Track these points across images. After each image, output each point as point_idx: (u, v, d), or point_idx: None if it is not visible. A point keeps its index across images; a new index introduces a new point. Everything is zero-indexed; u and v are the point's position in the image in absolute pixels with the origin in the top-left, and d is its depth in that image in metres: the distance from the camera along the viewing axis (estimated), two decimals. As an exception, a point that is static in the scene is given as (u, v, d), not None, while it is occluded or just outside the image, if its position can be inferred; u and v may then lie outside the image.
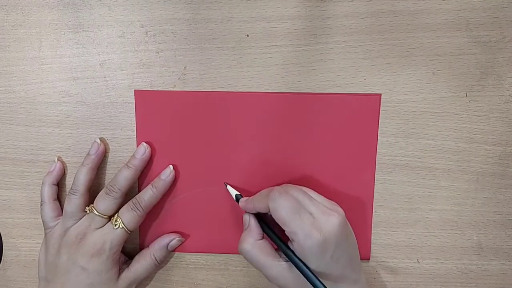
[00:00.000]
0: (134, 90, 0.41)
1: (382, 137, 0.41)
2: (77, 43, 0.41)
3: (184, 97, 0.41)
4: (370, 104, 0.40)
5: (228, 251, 0.43)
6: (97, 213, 0.39)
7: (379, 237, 0.43)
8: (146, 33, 0.41)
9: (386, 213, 0.42)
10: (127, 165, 0.40)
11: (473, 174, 0.42)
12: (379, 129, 0.41)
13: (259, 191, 0.40)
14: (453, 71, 0.40)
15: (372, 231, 0.42)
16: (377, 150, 0.41)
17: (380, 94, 0.40)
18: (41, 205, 0.41)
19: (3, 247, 0.45)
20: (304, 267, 0.34)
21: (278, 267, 0.36)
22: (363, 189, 0.42)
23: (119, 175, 0.40)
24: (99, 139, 0.42)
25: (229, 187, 0.41)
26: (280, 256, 0.37)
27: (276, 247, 0.38)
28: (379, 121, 0.41)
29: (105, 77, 0.42)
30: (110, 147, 0.43)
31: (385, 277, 0.43)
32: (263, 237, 0.38)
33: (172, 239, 0.42)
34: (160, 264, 0.42)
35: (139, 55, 0.41)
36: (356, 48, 0.40)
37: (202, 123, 0.41)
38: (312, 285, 0.34)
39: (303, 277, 0.34)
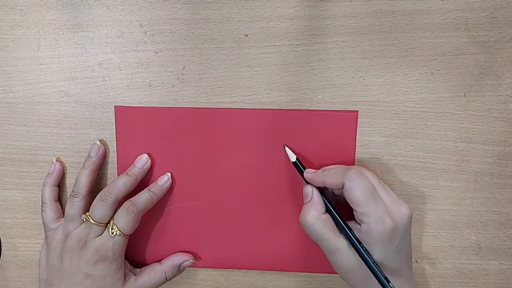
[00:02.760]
0: (114, 106, 0.42)
1: (380, 137, 0.41)
2: (75, 43, 0.41)
3: (164, 113, 0.41)
4: (347, 121, 0.40)
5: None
6: (94, 222, 0.39)
7: (378, 237, 0.43)
8: (145, 33, 0.41)
9: (385, 213, 0.42)
10: (126, 173, 0.40)
11: (472, 174, 0.42)
12: (378, 129, 0.41)
13: (246, 204, 0.41)
14: (452, 71, 0.40)
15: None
16: (376, 150, 0.41)
17: (357, 111, 0.40)
18: (42, 206, 0.41)
19: (2, 247, 0.45)
20: (364, 253, 0.34)
21: (340, 242, 0.36)
22: None
23: (118, 181, 0.40)
24: (99, 141, 0.42)
25: (287, 149, 0.40)
26: (341, 232, 0.36)
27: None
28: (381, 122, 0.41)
29: (103, 77, 0.42)
30: (109, 147, 0.42)
31: (384, 277, 0.43)
32: (326, 211, 0.37)
33: (186, 260, 0.42)
34: (169, 280, 0.42)
35: (138, 55, 0.41)
36: (354, 48, 0.40)
37: (184, 139, 0.41)
38: (370, 270, 0.34)
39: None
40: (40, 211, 0.41)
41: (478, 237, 0.42)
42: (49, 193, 0.41)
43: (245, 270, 0.44)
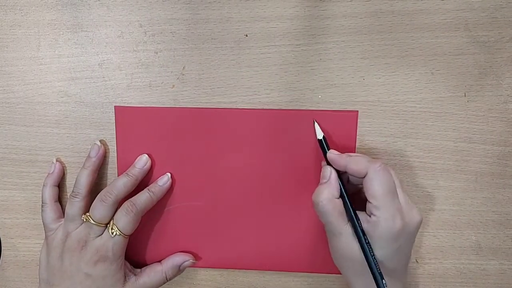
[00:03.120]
0: (114, 106, 0.42)
1: (380, 137, 0.41)
2: (75, 43, 0.41)
3: (164, 113, 0.41)
4: (347, 121, 0.40)
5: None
6: (94, 222, 0.39)
7: (378, 237, 0.43)
8: (145, 33, 0.41)
9: (385, 213, 0.42)
10: (126, 173, 0.40)
11: (472, 174, 0.42)
12: (378, 129, 0.41)
13: (246, 204, 0.41)
14: (452, 71, 0.40)
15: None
16: (376, 150, 0.41)
17: (357, 111, 0.40)
18: (42, 206, 0.41)
19: (2, 247, 0.45)
20: (365, 243, 0.35)
21: (346, 228, 0.36)
22: None
23: (118, 182, 0.39)
24: (99, 141, 0.42)
25: (316, 125, 0.40)
26: (348, 220, 0.36)
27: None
28: (383, 121, 0.41)
29: (103, 77, 0.42)
30: (110, 147, 0.42)
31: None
32: (339, 196, 0.37)
33: (186, 260, 0.42)
34: (169, 280, 0.42)
35: (138, 55, 0.41)
36: (354, 48, 0.40)
37: (184, 139, 0.41)
38: (367, 261, 0.34)
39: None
40: (40, 211, 0.41)
41: (478, 237, 0.42)
42: (49, 193, 0.41)
43: (245, 270, 0.44)
